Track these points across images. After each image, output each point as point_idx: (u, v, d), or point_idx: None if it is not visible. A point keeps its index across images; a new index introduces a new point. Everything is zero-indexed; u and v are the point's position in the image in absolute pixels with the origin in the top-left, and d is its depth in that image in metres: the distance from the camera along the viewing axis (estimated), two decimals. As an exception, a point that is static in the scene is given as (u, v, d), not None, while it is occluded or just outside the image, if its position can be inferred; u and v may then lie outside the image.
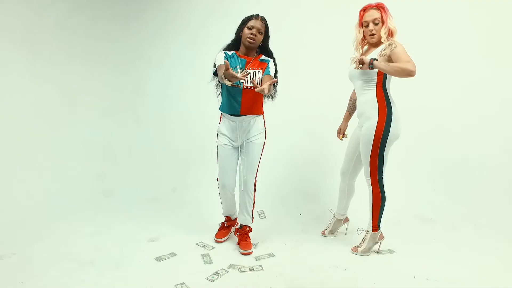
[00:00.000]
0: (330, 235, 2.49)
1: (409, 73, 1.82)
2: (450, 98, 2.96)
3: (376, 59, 1.93)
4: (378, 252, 2.23)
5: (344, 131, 2.42)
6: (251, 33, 2.08)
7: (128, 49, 3.79)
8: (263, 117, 2.28)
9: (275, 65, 2.22)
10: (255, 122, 2.20)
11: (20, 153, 3.07)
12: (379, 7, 2.01)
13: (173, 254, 2.20)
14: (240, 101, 2.11)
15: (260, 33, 2.10)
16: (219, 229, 2.43)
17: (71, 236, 2.47)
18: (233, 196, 2.36)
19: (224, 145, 2.22)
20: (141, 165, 3.63)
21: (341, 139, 2.43)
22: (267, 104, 2.32)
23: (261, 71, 2.14)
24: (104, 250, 2.25)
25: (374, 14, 2.00)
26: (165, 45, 3.66)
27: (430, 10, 2.95)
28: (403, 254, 2.21)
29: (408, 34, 2.83)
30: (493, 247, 2.29)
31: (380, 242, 2.23)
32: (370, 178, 2.11)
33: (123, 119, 3.77)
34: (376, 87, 2.04)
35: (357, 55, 2.15)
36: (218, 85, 2.27)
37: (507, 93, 2.84)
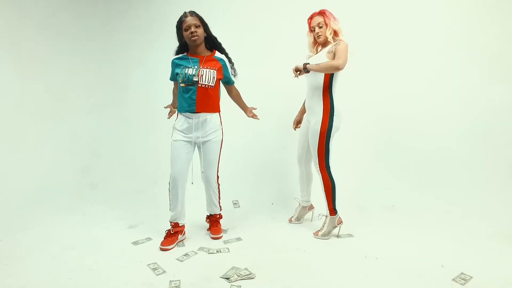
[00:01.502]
0: (297, 222, 2.70)
1: (336, 68, 2.16)
2: (414, 92, 3.14)
3: (308, 63, 2.24)
4: (338, 236, 2.44)
5: (299, 123, 2.67)
6: (191, 32, 2.13)
7: (112, 46, 3.97)
8: (220, 115, 2.36)
9: (229, 59, 2.34)
10: (211, 119, 2.28)
11: (7, 147, 3.25)
12: (321, 13, 2.35)
13: (149, 239, 2.40)
14: (195, 99, 2.19)
15: (197, 26, 2.15)
16: (165, 237, 2.31)
17: (56, 225, 2.67)
18: (183, 196, 2.34)
19: (177, 140, 2.26)
20: (125, 159, 3.83)
21: (295, 129, 2.71)
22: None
23: (215, 71, 2.23)
24: (87, 236, 2.45)
25: (318, 19, 2.34)
26: (148, 42, 3.84)
27: (393, 7, 3.15)
28: (361, 238, 2.41)
29: (371, 31, 3.07)
30: (445, 231, 2.47)
31: (340, 226, 2.44)
32: (318, 166, 2.38)
33: (108, 114, 3.95)
34: (323, 88, 2.33)
35: (312, 55, 2.46)
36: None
37: (467, 87, 3.01)
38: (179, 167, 2.25)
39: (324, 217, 2.47)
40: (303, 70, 2.23)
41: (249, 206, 3.08)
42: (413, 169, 3.14)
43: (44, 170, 3.49)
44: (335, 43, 2.28)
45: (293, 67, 2.27)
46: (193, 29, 2.12)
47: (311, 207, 2.73)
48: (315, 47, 2.46)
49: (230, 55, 2.37)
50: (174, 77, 2.31)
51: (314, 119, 2.35)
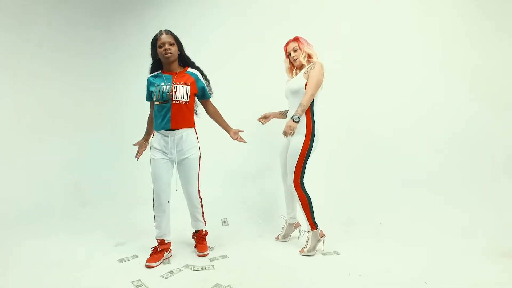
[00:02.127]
0: (284, 240, 2.72)
1: (312, 95, 2.34)
2: (398, 109, 3.21)
3: (295, 115, 2.32)
4: (323, 251, 2.45)
5: (266, 118, 2.70)
6: (164, 49, 2.20)
7: (106, 66, 4.09)
8: (195, 131, 2.38)
9: (202, 73, 2.39)
10: (187, 136, 2.29)
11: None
12: (295, 39, 2.53)
13: (135, 256, 2.41)
14: (170, 116, 2.22)
15: (171, 44, 2.22)
16: (151, 254, 2.30)
17: (43, 241, 2.68)
18: (168, 213, 2.36)
19: (156, 158, 2.27)
20: (117, 176, 3.86)
21: (260, 121, 2.72)
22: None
23: (189, 86, 2.26)
24: (73, 253, 2.46)
25: (292, 45, 2.52)
26: (141, 62, 3.92)
27: (375, 24, 3.27)
28: (347, 255, 2.42)
29: (353, 49, 3.18)
30: (431, 247, 2.48)
31: (323, 240, 2.48)
32: (293, 183, 2.44)
33: (100, 132, 4.02)
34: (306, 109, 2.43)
35: (290, 78, 2.61)
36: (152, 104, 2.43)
37: (448, 103, 3.08)
38: (161, 185, 2.28)
39: (306, 233, 2.53)
40: (294, 124, 2.31)
41: (237, 224, 3.10)
42: (401, 186, 3.18)
43: (35, 187, 3.52)
44: (311, 65, 2.43)
45: (282, 131, 2.35)
46: (167, 46, 2.19)
47: (297, 225, 2.76)
48: (293, 71, 2.61)
49: (205, 73, 2.44)
50: (149, 96, 2.35)
51: (296, 138, 2.42)
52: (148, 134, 2.49)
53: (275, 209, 3.25)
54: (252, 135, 3.48)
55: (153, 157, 2.28)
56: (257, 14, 3.59)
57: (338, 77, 3.13)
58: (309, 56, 2.50)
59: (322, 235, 2.47)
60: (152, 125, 2.36)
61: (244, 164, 3.54)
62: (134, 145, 2.49)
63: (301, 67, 2.53)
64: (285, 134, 2.33)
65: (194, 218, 2.49)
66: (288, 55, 2.56)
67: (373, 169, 3.26)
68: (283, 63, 2.67)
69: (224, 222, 3.13)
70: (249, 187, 3.48)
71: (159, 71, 2.32)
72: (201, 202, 2.47)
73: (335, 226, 2.90)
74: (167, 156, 2.28)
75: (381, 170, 3.24)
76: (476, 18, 3.00)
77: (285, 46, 2.59)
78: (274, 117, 2.73)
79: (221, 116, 2.52)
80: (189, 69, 2.35)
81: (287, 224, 2.73)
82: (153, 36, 2.27)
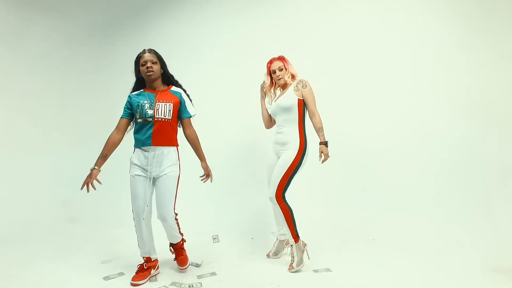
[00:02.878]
0: (275, 257, 2.66)
1: (319, 115, 2.44)
2: (389, 127, 3.22)
3: (325, 140, 2.40)
4: (315, 270, 2.40)
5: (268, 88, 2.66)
6: (147, 67, 2.19)
7: (99, 84, 4.10)
8: (177, 149, 2.32)
9: (185, 91, 2.35)
10: (168, 153, 2.22)
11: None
12: (281, 58, 2.56)
13: (121, 274, 2.34)
14: (152, 133, 2.17)
15: (154, 63, 2.21)
16: (137, 272, 2.25)
17: (28, 259, 2.60)
18: (150, 230, 2.29)
19: (135, 176, 2.20)
20: (107, 193, 3.79)
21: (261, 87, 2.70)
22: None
23: (172, 104, 2.22)
24: (57, 272, 2.38)
25: (278, 63, 2.54)
26: (133, 79, 3.95)
27: (363, 38, 3.31)
28: (339, 272, 2.37)
29: (342, 67, 3.21)
30: (426, 263, 2.44)
31: (306, 249, 2.49)
32: (275, 196, 2.40)
33: (92, 149, 3.97)
34: (298, 122, 2.45)
35: (268, 98, 2.69)
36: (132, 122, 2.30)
37: (438, 121, 3.09)
38: (141, 203, 2.20)
39: (289, 248, 2.51)
40: (327, 149, 2.37)
41: (229, 240, 3.04)
42: (393, 201, 3.15)
43: (25, 203, 3.47)
44: (298, 82, 2.47)
45: (321, 159, 2.37)
46: (149, 64, 2.19)
47: (288, 241, 2.70)
48: (272, 89, 2.65)
49: (188, 92, 2.40)
50: (126, 112, 2.25)
51: (288, 152, 2.41)
52: (102, 158, 2.21)
53: (268, 225, 3.20)
54: (244, 151, 3.52)
55: (132, 174, 2.22)
56: (248, 32, 3.65)
57: (329, 96, 3.15)
58: (292, 76, 2.55)
59: (305, 245, 2.49)
60: (110, 148, 2.21)
61: (236, 180, 3.50)
62: (81, 188, 2.19)
63: (284, 85, 2.56)
64: (324, 161, 2.37)
65: (169, 236, 2.36)
66: (271, 72, 2.58)
67: (365, 185, 3.23)
68: (263, 77, 2.67)
69: (215, 238, 3.07)
70: (242, 203, 3.43)
71: (142, 90, 2.29)
72: (177, 221, 2.33)
73: (327, 242, 2.86)
74: (147, 174, 2.20)
75: (373, 186, 3.21)
76: (465, 34, 3.04)
77: (268, 63, 2.60)
78: (262, 105, 2.71)
79: (199, 142, 2.38)
80: (173, 88, 2.33)
81: (278, 240, 2.68)
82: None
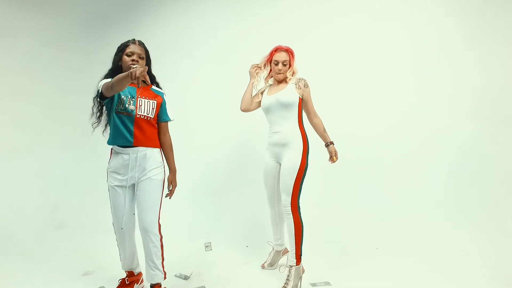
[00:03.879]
0: (270, 268, 2.47)
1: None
2: (391, 131, 3.04)
3: (331, 142, 2.29)
4: (313, 284, 2.21)
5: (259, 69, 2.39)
6: (132, 60, 1.91)
7: (90, 82, 3.88)
8: (161, 152, 2.07)
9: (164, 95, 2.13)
10: (152, 154, 1.97)
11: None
12: (289, 51, 2.28)
13: (102, 288, 2.16)
14: (133, 130, 1.90)
15: (141, 58, 1.95)
16: (118, 286, 2.10)
17: (6, 269, 2.43)
18: (133, 243, 2.08)
19: (115, 186, 1.94)
20: (96, 198, 3.61)
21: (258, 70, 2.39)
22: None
23: (155, 102, 1.99)
24: (34, 284, 2.20)
25: (284, 56, 2.26)
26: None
27: (364, 35, 3.13)
28: (339, 285, 2.19)
29: (344, 68, 3.03)
30: (429, 272, 2.29)
31: (301, 277, 2.20)
32: (290, 205, 2.14)
33: (81, 151, 3.80)
34: (298, 120, 2.22)
35: (264, 89, 2.41)
36: (103, 117, 2.00)
37: (441, 124, 2.93)
38: (124, 217, 1.95)
39: (287, 269, 2.22)
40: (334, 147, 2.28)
41: (221, 249, 2.85)
42: (397, 209, 2.96)
43: (10, 208, 3.29)
44: (299, 80, 2.26)
45: (331, 160, 2.29)
46: (135, 57, 1.92)
47: (285, 251, 2.52)
48: (267, 79, 2.42)
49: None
50: (104, 96, 1.90)
51: (291, 155, 2.16)
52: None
53: (264, 232, 3.00)
54: (240, 152, 3.33)
55: (112, 184, 1.95)
56: (244, 27, 3.45)
57: (329, 95, 2.99)
58: (292, 73, 2.31)
59: (303, 271, 2.24)
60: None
61: (231, 182, 3.31)
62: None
63: (280, 81, 2.32)
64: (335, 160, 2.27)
65: (150, 264, 1.95)
66: (273, 62, 2.28)
67: (367, 192, 3.04)
68: (262, 60, 2.37)
69: (207, 246, 2.88)
70: (237, 208, 3.23)
71: None
72: (161, 241, 1.98)
73: (326, 252, 2.67)
74: (127, 181, 1.92)
75: (376, 190, 3.02)
76: (473, 29, 2.86)
77: (273, 51, 2.30)
78: (256, 81, 2.40)
79: (171, 149, 2.13)
80: (154, 87, 2.08)
81: (274, 251, 2.49)
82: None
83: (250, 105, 2.37)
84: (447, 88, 2.93)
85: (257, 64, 2.40)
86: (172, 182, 2.12)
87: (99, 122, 1.99)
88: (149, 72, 2.07)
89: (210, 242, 2.92)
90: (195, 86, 3.53)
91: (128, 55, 1.93)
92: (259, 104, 2.37)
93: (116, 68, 1.97)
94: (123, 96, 1.90)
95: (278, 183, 2.29)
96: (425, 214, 2.87)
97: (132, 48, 1.95)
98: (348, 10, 3.18)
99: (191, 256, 2.68)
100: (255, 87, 2.41)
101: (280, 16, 3.35)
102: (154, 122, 2.00)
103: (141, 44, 2.00)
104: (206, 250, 2.83)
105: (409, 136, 2.99)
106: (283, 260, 2.53)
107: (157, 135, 2.04)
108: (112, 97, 1.89)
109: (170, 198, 2.12)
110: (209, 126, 3.43)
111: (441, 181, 2.90)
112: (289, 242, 2.19)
